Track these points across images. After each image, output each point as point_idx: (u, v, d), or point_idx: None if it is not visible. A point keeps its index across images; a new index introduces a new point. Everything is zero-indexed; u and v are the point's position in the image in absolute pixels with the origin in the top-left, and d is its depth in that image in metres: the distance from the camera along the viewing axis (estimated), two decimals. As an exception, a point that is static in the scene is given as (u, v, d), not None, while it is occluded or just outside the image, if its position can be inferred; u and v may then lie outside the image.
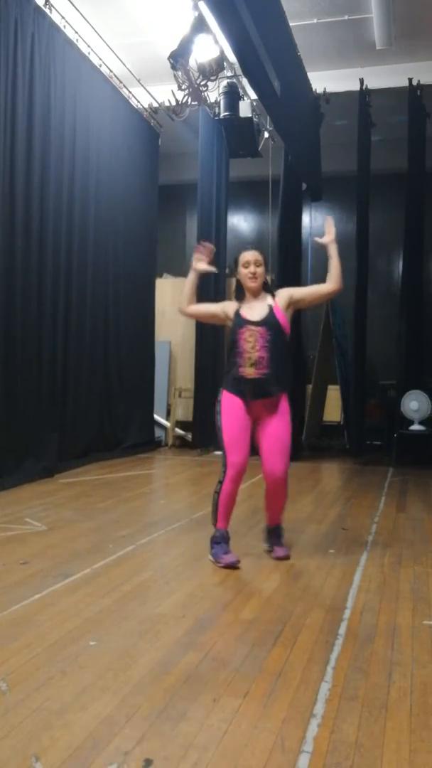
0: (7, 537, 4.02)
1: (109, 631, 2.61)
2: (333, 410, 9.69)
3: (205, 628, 2.65)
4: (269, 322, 3.60)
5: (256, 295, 3.69)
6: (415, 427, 7.91)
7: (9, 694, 2.07)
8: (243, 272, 3.68)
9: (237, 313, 3.68)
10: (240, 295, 3.74)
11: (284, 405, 3.66)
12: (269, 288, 3.75)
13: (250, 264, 3.65)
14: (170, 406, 9.39)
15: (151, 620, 2.72)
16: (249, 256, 3.67)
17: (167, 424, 9.28)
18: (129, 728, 1.89)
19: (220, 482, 3.65)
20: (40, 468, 6.14)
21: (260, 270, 3.67)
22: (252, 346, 3.58)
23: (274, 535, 3.82)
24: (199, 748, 1.80)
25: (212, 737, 1.85)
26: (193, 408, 8.92)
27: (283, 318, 3.65)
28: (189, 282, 3.86)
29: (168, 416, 9.34)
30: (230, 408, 3.63)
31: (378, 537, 4.33)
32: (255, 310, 3.65)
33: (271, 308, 3.64)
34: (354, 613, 2.89)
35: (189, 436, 9.12)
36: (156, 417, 9.14)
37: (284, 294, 3.74)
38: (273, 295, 3.71)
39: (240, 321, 3.64)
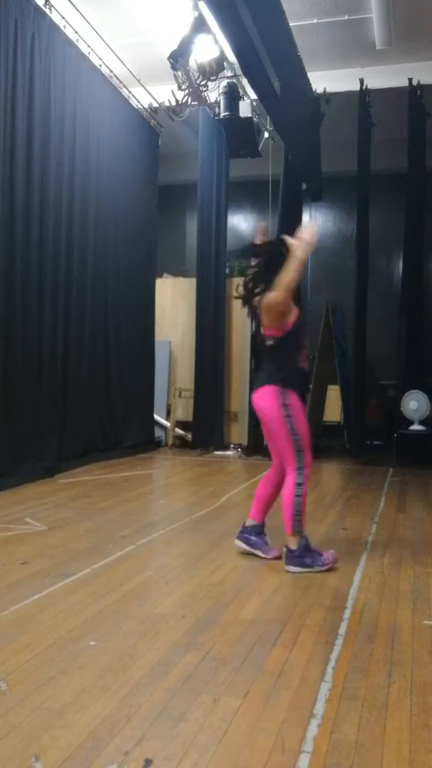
0: (7, 537, 4.02)
1: (109, 631, 2.61)
2: (333, 410, 9.69)
3: (205, 628, 2.65)
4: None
5: None
6: (415, 427, 7.91)
7: (9, 694, 2.07)
8: None
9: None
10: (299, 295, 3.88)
11: None
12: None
13: None
14: (170, 406, 9.39)
15: (151, 620, 2.72)
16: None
17: (167, 424, 9.28)
18: (129, 728, 1.89)
19: (300, 484, 3.48)
20: (40, 468, 6.14)
21: None
22: (305, 341, 3.75)
23: (259, 533, 3.80)
24: (199, 748, 1.80)
25: (212, 737, 1.85)
26: (193, 408, 8.92)
27: None
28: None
29: (168, 416, 9.34)
30: (300, 408, 3.53)
31: (378, 537, 4.33)
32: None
33: None
34: (354, 613, 2.89)
35: (189, 436, 9.13)
36: (156, 417, 9.14)
37: None
38: None
39: (303, 318, 3.72)
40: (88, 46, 7.18)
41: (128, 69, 7.92)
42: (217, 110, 8.20)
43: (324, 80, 8.13)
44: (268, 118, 7.96)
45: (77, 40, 6.92)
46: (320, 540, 4.18)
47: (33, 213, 6.17)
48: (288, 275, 3.36)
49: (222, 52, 6.59)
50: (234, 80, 7.89)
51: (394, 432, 8.11)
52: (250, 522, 3.78)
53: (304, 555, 3.45)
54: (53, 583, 3.16)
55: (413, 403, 7.85)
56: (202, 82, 6.60)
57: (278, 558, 3.61)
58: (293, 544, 3.46)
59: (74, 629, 2.61)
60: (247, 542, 3.73)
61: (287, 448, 3.50)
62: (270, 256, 3.55)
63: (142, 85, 8.32)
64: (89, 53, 7.24)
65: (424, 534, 4.47)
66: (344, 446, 8.79)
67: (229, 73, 7.76)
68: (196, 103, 7.17)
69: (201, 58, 6.49)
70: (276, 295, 3.39)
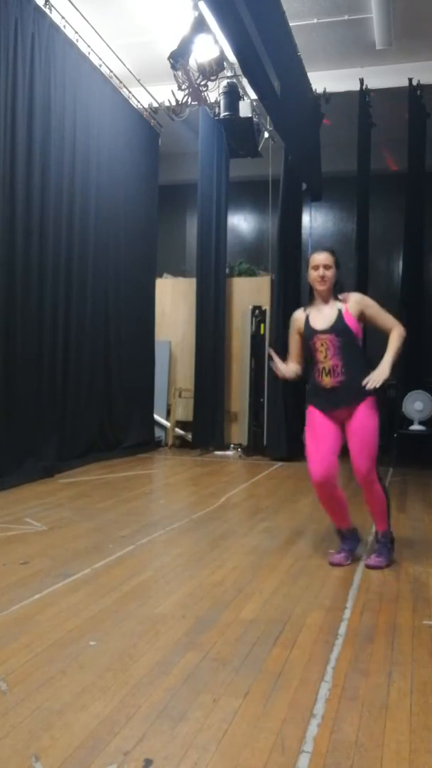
0: (7, 537, 4.02)
1: (109, 631, 2.61)
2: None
3: (205, 628, 2.65)
4: (338, 328, 3.50)
5: (325, 299, 3.57)
6: (415, 427, 7.91)
7: (9, 694, 2.07)
8: (312, 275, 3.56)
9: (307, 323, 3.59)
10: (310, 297, 3.66)
11: (367, 408, 3.54)
12: (340, 291, 3.60)
13: (319, 267, 3.52)
14: (170, 406, 9.39)
15: (151, 620, 2.72)
16: (318, 258, 3.54)
17: (167, 424, 9.29)
18: (129, 728, 1.89)
19: None
20: (40, 468, 6.14)
21: (329, 273, 3.53)
22: (324, 355, 3.53)
23: (375, 541, 3.75)
24: (199, 748, 1.80)
25: (212, 737, 1.85)
26: (193, 408, 8.92)
27: (354, 323, 3.53)
28: (286, 375, 3.73)
29: (168, 416, 9.35)
30: (311, 421, 3.63)
31: (378, 537, 4.32)
32: (323, 315, 3.55)
33: (340, 313, 3.53)
34: (354, 613, 2.89)
35: (189, 436, 9.13)
36: (156, 417, 9.14)
37: (358, 302, 3.59)
38: (342, 300, 3.57)
39: (310, 331, 3.57)
40: (88, 46, 7.18)
41: (128, 69, 7.92)
42: (217, 110, 8.20)
43: (324, 80, 8.13)
44: (268, 118, 7.96)
45: (77, 40, 6.93)
46: (320, 540, 4.18)
47: (33, 213, 6.17)
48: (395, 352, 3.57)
49: (222, 52, 6.58)
50: (234, 80, 7.89)
51: (394, 432, 8.10)
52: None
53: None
54: (53, 583, 3.16)
55: (418, 404, 7.85)
56: (202, 82, 6.60)
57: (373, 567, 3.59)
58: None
59: (74, 629, 2.61)
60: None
61: None
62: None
63: (142, 85, 8.32)
64: (89, 53, 7.24)
65: (424, 534, 4.47)
66: (344, 446, 8.78)
67: (229, 73, 7.75)
68: (196, 103, 7.17)
69: (201, 58, 6.49)
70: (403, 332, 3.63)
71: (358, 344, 3.59)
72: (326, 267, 3.53)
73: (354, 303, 3.57)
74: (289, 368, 3.71)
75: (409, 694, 2.15)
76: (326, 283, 3.54)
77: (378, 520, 3.70)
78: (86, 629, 2.61)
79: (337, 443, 3.60)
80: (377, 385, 3.46)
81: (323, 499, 3.65)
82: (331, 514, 3.74)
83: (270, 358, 3.79)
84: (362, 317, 3.58)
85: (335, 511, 3.70)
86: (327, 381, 3.54)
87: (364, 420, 3.52)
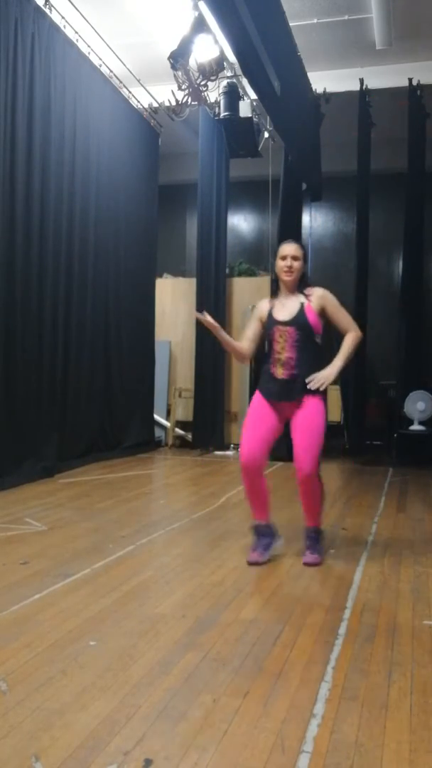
0: (7, 537, 4.02)
1: (109, 631, 2.61)
2: (333, 410, 9.67)
3: (205, 628, 2.65)
4: (298, 322, 3.53)
5: (291, 290, 3.62)
6: (415, 427, 7.91)
7: (9, 694, 2.07)
8: (279, 264, 3.59)
9: (270, 313, 3.62)
10: (275, 288, 3.69)
11: (316, 404, 3.54)
12: (305, 284, 3.63)
13: (287, 257, 3.56)
14: (170, 406, 9.39)
15: (151, 620, 2.72)
16: (287, 249, 3.58)
17: (167, 424, 9.28)
18: (129, 728, 1.89)
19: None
20: (40, 468, 6.14)
21: (297, 264, 3.55)
22: (282, 346, 3.55)
23: (307, 537, 3.73)
24: (199, 748, 1.80)
25: (212, 737, 1.85)
26: (193, 408, 8.92)
27: (315, 319, 3.55)
28: (225, 342, 3.72)
29: (168, 416, 9.34)
30: (254, 407, 3.66)
31: (378, 537, 4.33)
32: (286, 308, 3.58)
33: (302, 307, 3.55)
34: (354, 613, 2.89)
35: (189, 436, 9.13)
36: (156, 417, 9.13)
37: (321, 297, 3.61)
38: (306, 294, 3.59)
39: (271, 321, 3.59)
40: (88, 46, 7.17)
41: (128, 69, 7.92)
42: (217, 110, 8.20)
43: (324, 80, 8.13)
44: (268, 118, 7.96)
45: (77, 40, 6.92)
46: (320, 540, 4.18)
47: (33, 213, 6.17)
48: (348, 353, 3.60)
49: (222, 52, 6.58)
50: (234, 80, 7.89)
51: (394, 432, 8.11)
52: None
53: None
54: (53, 583, 3.16)
55: (421, 404, 7.85)
56: (202, 82, 6.60)
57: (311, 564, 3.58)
58: None
59: (74, 629, 2.61)
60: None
61: None
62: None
63: (142, 85, 8.32)
64: (89, 53, 7.24)
65: (424, 534, 4.47)
66: (344, 446, 8.79)
67: (229, 73, 7.75)
68: (196, 103, 7.17)
69: (201, 58, 6.49)
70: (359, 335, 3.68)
71: (316, 340, 3.60)
72: (294, 258, 3.56)
73: (317, 298, 3.60)
74: (230, 340, 3.72)
75: (409, 694, 2.15)
76: (293, 274, 3.57)
77: (311, 515, 3.72)
78: (86, 629, 2.61)
79: (273, 435, 3.61)
80: (321, 387, 3.49)
81: (247, 485, 3.63)
82: (252, 504, 3.70)
83: (200, 311, 3.77)
84: (323, 313, 3.61)
85: (256, 501, 3.67)
86: (280, 372, 3.56)
87: (310, 415, 3.54)
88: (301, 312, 3.54)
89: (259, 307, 3.73)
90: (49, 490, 5.66)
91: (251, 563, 3.56)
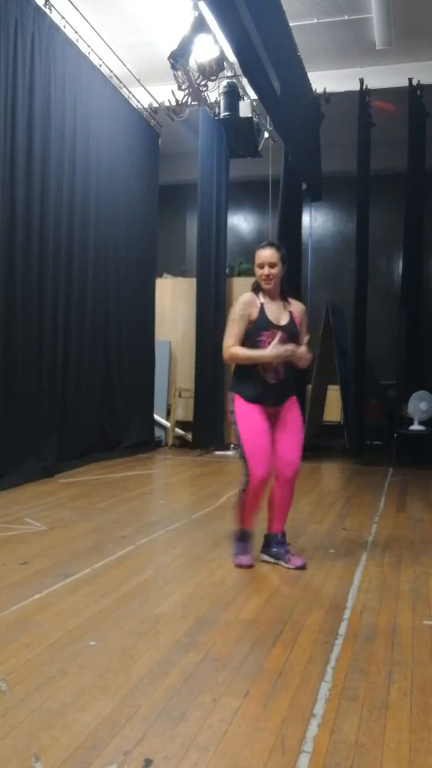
0: (7, 537, 4.02)
1: (109, 631, 2.61)
2: (333, 410, 9.69)
3: (205, 628, 2.65)
4: (291, 330, 3.49)
5: (273, 296, 3.52)
6: (415, 427, 7.91)
7: (9, 694, 2.07)
8: (257, 272, 3.51)
9: (262, 312, 3.47)
10: (257, 287, 3.53)
11: (296, 403, 3.63)
12: (285, 292, 3.57)
13: (264, 266, 3.46)
14: (170, 406, 9.39)
15: (151, 620, 2.72)
16: (263, 255, 3.46)
17: (167, 424, 9.28)
18: (129, 728, 1.89)
19: (244, 491, 3.49)
20: (40, 468, 6.14)
21: (275, 271, 3.46)
22: None
23: (279, 543, 3.65)
24: (199, 748, 1.80)
25: (212, 737, 1.85)
26: (193, 408, 8.92)
27: (299, 329, 3.56)
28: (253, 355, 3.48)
29: (168, 416, 9.34)
30: (250, 416, 3.46)
31: (378, 537, 4.33)
32: (277, 313, 3.51)
33: (291, 316, 3.53)
34: (354, 613, 2.89)
35: (189, 436, 9.13)
36: (156, 417, 9.14)
37: (303, 313, 3.62)
38: (290, 302, 3.57)
39: (266, 323, 3.46)
40: (88, 46, 7.18)
41: (128, 69, 7.92)
42: (217, 110, 8.19)
43: (324, 80, 8.13)
44: (268, 118, 7.96)
45: (77, 40, 6.92)
46: (320, 540, 4.19)
47: (33, 213, 6.17)
48: (247, 356, 3.45)
49: (222, 52, 6.58)
50: (234, 80, 7.89)
51: (394, 432, 8.11)
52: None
53: (234, 542, 3.66)
54: (53, 583, 3.16)
55: (423, 404, 7.85)
56: (202, 82, 6.60)
57: (302, 567, 3.53)
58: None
59: (74, 629, 2.61)
60: (270, 554, 3.67)
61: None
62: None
63: (142, 85, 8.32)
64: (89, 53, 7.24)
65: (424, 534, 4.47)
66: (344, 446, 8.80)
67: (229, 73, 7.75)
68: (196, 103, 7.17)
69: (201, 58, 6.49)
70: (224, 353, 3.53)
71: None
72: (271, 265, 3.46)
73: (300, 312, 3.61)
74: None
75: (409, 694, 2.15)
76: (272, 282, 3.49)
77: (282, 519, 3.69)
78: (86, 629, 2.61)
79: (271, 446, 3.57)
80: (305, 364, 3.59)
81: (259, 497, 3.53)
82: (253, 513, 3.60)
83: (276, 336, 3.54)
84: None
85: (257, 511, 3.61)
86: (270, 377, 3.49)
87: (296, 416, 3.60)
88: (292, 321, 3.53)
89: (249, 302, 3.50)
90: (49, 490, 5.66)
91: (243, 566, 3.52)
